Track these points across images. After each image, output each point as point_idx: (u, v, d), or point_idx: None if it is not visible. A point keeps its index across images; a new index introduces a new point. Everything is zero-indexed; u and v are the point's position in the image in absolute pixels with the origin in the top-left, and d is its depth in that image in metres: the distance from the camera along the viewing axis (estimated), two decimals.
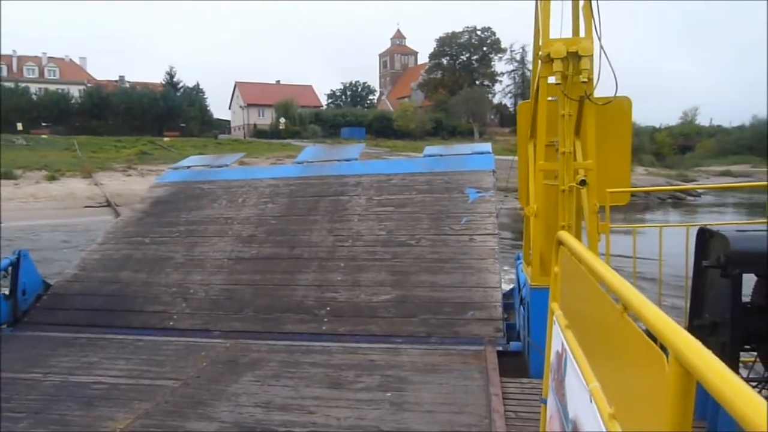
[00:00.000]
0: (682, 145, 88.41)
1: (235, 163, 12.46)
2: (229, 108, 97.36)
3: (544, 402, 2.79)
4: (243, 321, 6.93)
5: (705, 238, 3.59)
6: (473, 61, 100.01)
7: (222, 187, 10.04)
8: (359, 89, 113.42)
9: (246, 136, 77.92)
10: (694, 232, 3.83)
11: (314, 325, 6.68)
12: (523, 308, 6.11)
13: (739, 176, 58.98)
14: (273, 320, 6.86)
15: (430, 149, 11.00)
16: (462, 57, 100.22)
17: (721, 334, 3.33)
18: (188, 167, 11.84)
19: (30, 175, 38.10)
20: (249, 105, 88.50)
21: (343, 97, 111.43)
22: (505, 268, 10.52)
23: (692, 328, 3.62)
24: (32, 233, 24.62)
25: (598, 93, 5.22)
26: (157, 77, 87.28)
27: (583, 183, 5.18)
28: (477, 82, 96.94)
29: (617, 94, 5.19)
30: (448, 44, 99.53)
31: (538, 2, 5.62)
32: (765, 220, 5.02)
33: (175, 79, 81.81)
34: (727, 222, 6.93)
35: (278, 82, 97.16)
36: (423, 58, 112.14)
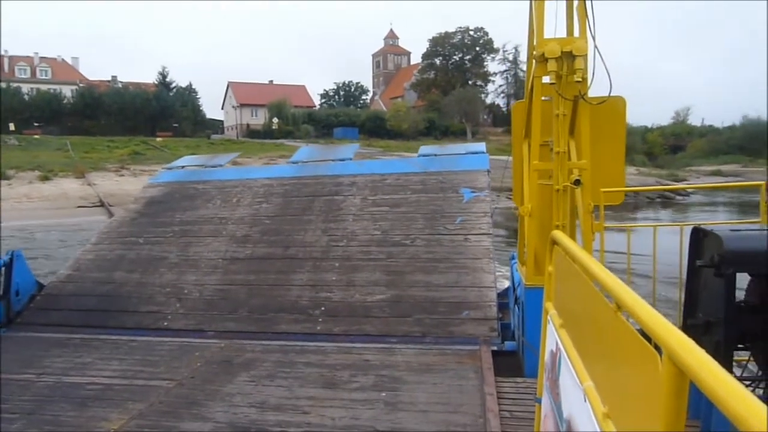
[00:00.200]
0: (673, 145, 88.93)
1: (229, 163, 12.44)
2: (222, 108, 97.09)
3: (539, 401, 2.80)
4: (237, 321, 6.92)
5: (699, 237, 3.60)
6: (466, 61, 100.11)
7: (216, 187, 10.02)
8: (352, 89, 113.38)
9: (239, 136, 77.70)
10: (687, 231, 3.84)
11: (309, 325, 6.68)
12: (518, 308, 6.12)
13: (729, 176, 59.37)
14: (267, 320, 6.85)
15: (424, 149, 11.00)
16: (455, 57, 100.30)
17: (715, 333, 3.34)
18: (182, 167, 11.81)
19: (23, 176, 37.99)
20: (242, 105, 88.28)
21: (336, 97, 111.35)
22: (498, 268, 10.54)
23: (686, 328, 3.63)
24: (28, 233, 24.58)
25: (592, 93, 5.24)
26: (150, 77, 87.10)
27: (577, 183, 5.19)
28: (470, 82, 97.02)
29: (611, 94, 5.22)
30: (441, 44, 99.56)
31: (533, 2, 5.63)
32: (758, 220, 5.05)
33: (167, 80, 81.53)
34: (721, 222, 6.97)
35: (271, 82, 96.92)
36: (416, 58, 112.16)
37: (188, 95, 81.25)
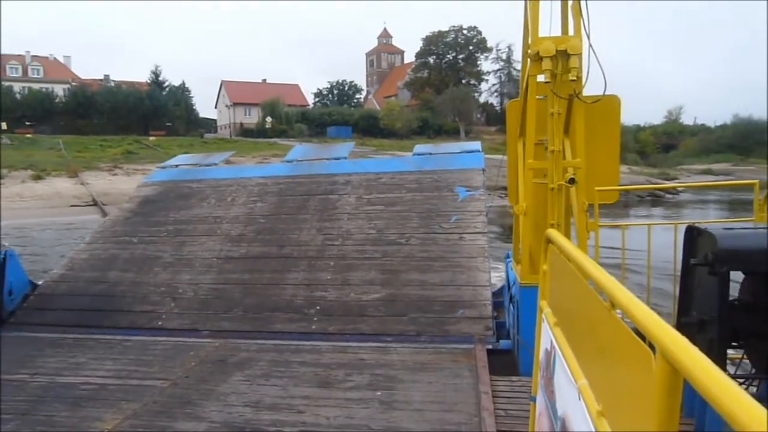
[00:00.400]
0: (665, 143, 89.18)
1: (223, 162, 12.41)
2: (215, 107, 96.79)
3: (534, 400, 2.80)
4: (232, 320, 6.91)
5: (693, 235, 3.62)
6: (459, 60, 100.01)
7: (211, 186, 9.99)
8: (346, 88, 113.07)
9: (232, 135, 77.43)
10: (682, 229, 3.85)
11: (304, 324, 6.67)
12: (513, 306, 6.13)
13: (720, 174, 59.69)
14: (262, 319, 6.85)
15: (419, 148, 10.98)
16: (448, 56, 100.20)
17: (709, 331, 3.36)
18: (176, 166, 11.78)
19: (15, 175, 37.81)
20: (235, 104, 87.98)
21: (330, 95, 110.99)
22: (493, 264, 10.58)
23: (680, 326, 3.65)
24: (21, 231, 24.49)
25: (586, 92, 5.25)
26: (143, 76, 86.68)
27: (572, 181, 5.21)
28: (463, 81, 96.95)
29: (606, 93, 5.23)
30: (434, 43, 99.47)
31: (528, 1, 5.64)
32: (752, 218, 5.07)
33: (160, 78, 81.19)
34: (714, 220, 7.03)
35: (265, 81, 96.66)
36: (409, 57, 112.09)
37: (181, 94, 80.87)
